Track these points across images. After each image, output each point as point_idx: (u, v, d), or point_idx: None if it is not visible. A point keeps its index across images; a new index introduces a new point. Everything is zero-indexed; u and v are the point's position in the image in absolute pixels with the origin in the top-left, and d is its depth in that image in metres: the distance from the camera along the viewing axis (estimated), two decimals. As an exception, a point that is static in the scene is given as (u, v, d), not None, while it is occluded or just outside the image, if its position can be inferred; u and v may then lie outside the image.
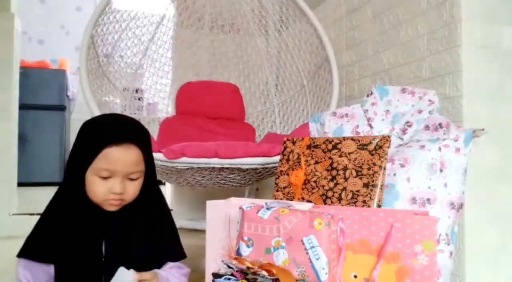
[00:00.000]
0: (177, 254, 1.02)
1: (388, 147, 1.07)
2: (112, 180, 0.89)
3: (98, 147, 0.87)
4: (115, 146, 0.87)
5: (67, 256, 0.92)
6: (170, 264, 1.00)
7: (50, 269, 0.93)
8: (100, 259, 0.93)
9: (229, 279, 0.81)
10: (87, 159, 0.88)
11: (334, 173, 1.10)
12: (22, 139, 3.05)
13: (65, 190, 0.95)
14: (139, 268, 0.90)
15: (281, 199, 1.17)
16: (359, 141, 1.11)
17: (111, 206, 0.92)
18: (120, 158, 0.88)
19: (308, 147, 1.19)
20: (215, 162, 1.47)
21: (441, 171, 1.07)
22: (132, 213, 0.96)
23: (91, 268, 0.93)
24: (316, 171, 1.14)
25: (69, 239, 0.92)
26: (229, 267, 0.85)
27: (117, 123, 0.92)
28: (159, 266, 0.98)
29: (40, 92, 3.88)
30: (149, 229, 0.98)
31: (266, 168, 1.56)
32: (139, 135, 0.93)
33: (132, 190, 0.93)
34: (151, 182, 0.99)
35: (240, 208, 0.93)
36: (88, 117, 1.01)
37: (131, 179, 0.92)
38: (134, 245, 0.96)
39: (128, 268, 0.88)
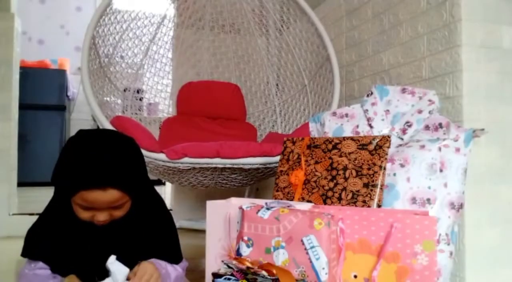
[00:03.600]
0: (173, 257, 1.02)
1: (388, 147, 1.07)
2: (95, 210, 0.88)
3: (74, 189, 0.84)
4: (91, 190, 0.84)
5: (61, 259, 0.93)
6: None
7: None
8: (91, 263, 0.93)
9: (229, 279, 0.81)
10: (67, 193, 0.87)
11: (334, 173, 1.11)
12: (22, 139, 3.05)
13: (56, 202, 0.95)
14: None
15: (281, 199, 1.17)
16: (359, 141, 1.11)
17: (97, 224, 0.92)
18: (97, 199, 0.85)
19: (308, 147, 1.19)
20: (217, 161, 1.47)
21: (441, 171, 1.07)
22: (126, 220, 0.95)
23: (83, 271, 0.93)
24: (316, 171, 1.14)
25: (64, 243, 0.94)
26: (229, 267, 0.85)
27: (94, 164, 0.84)
28: None
29: (40, 92, 3.88)
30: (144, 232, 0.98)
31: (268, 168, 1.56)
32: (116, 176, 0.86)
33: (118, 214, 0.91)
34: (141, 195, 0.96)
35: (240, 208, 0.93)
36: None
37: (116, 208, 0.90)
38: (126, 248, 0.96)
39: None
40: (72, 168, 0.84)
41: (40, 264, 0.95)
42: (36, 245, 0.95)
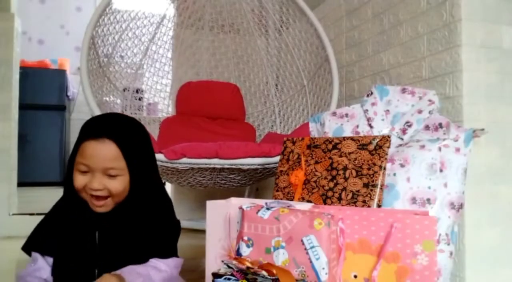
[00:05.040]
0: (164, 251, 1.00)
1: (388, 147, 1.07)
2: (90, 175, 0.91)
3: (78, 142, 0.91)
4: (91, 140, 0.90)
5: (62, 250, 0.94)
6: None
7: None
8: (91, 255, 0.94)
9: (229, 279, 0.81)
10: (73, 156, 0.93)
11: (334, 173, 1.10)
12: (22, 139, 3.05)
13: (66, 188, 0.97)
14: (130, 264, 0.93)
15: (281, 199, 1.17)
16: (359, 141, 1.11)
17: (96, 207, 0.93)
18: (94, 151, 0.89)
19: (308, 147, 1.19)
20: (216, 162, 1.47)
21: (441, 171, 1.07)
22: (124, 210, 0.96)
23: (82, 263, 0.94)
24: (316, 171, 1.14)
25: (65, 235, 0.95)
26: (229, 267, 0.85)
27: (101, 120, 0.95)
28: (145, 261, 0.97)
29: (40, 92, 3.88)
30: (142, 225, 0.98)
31: (267, 168, 1.56)
32: (117, 130, 0.92)
33: (113, 187, 0.91)
34: (141, 179, 0.96)
35: (240, 208, 0.93)
36: (88, 117, 1.02)
37: (111, 176, 0.91)
38: (124, 242, 0.96)
39: (119, 262, 0.90)
40: (82, 126, 0.94)
41: (38, 266, 0.95)
42: (37, 240, 0.97)
